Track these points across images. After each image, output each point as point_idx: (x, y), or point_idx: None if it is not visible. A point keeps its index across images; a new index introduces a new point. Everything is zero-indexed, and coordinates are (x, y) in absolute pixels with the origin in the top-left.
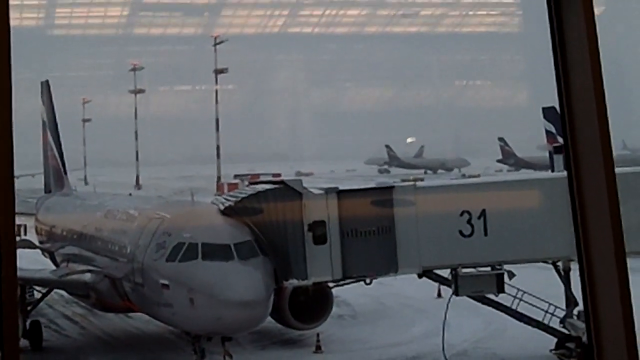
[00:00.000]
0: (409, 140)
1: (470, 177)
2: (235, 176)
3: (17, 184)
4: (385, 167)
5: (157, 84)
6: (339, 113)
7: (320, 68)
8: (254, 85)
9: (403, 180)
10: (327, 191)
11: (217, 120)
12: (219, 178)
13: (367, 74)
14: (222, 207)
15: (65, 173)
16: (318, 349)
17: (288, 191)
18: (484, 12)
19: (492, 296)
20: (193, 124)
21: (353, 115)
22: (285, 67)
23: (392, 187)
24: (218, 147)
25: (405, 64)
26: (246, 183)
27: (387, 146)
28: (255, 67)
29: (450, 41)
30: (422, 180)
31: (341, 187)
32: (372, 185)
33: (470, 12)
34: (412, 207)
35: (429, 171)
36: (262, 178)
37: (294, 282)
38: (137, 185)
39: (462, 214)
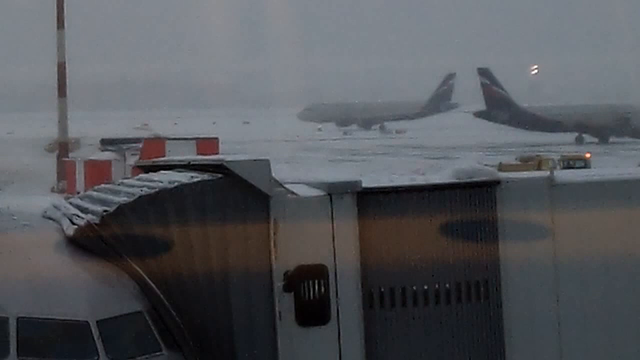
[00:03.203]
0: (534, 69)
1: None
2: (105, 144)
3: None
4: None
5: None
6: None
7: None
8: None
9: (523, 162)
10: (333, 190)
11: (58, 3)
12: (63, 147)
13: None
14: (71, 230)
15: None
16: None
17: (236, 190)
18: None
19: None
20: None
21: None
22: None
23: (495, 182)
24: (62, 67)
25: None
26: (131, 164)
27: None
28: None
29: None
30: (573, 163)
31: (366, 181)
32: (442, 175)
33: None
34: (545, 234)
35: (588, 137)
36: (171, 149)
37: None
38: None
39: None
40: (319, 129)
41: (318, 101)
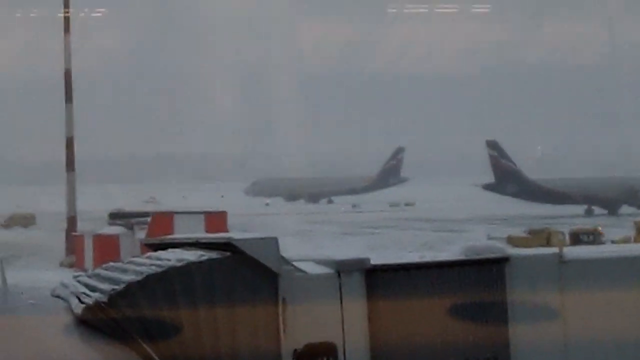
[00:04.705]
0: (538, 149)
1: None
2: (113, 217)
3: None
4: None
5: None
6: (360, 77)
7: None
8: (159, 7)
9: (532, 234)
10: (342, 267)
11: (67, 77)
12: (71, 221)
13: None
14: (79, 309)
15: None
16: None
17: (245, 268)
18: None
19: None
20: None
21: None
22: None
23: (504, 259)
24: (70, 142)
25: None
26: (140, 237)
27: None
28: None
29: None
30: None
31: (374, 259)
32: (452, 252)
33: None
34: (554, 311)
35: (597, 209)
36: (180, 223)
37: None
38: None
39: None
40: (267, 204)
41: (265, 175)
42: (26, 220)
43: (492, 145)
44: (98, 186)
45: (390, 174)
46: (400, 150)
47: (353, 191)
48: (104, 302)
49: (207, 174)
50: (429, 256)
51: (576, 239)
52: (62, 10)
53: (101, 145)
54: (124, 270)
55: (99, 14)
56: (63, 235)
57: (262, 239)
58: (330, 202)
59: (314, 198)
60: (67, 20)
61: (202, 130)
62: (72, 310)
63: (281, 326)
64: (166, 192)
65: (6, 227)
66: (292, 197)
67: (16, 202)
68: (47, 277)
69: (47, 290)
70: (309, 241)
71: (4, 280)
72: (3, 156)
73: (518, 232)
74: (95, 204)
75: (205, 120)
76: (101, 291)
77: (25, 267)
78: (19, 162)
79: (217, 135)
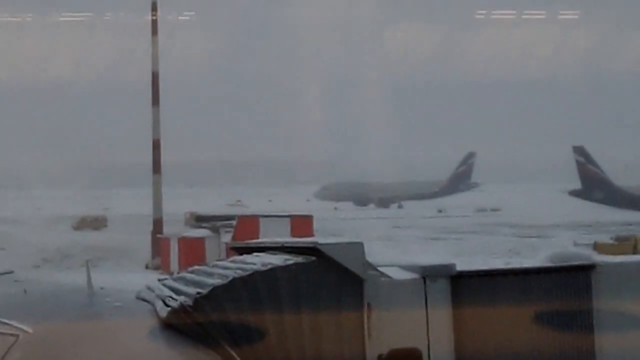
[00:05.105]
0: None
1: None
2: (199, 220)
3: None
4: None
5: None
6: (442, 81)
7: None
8: (247, 12)
9: (619, 241)
10: (427, 273)
11: (154, 79)
12: (157, 223)
13: None
14: (164, 312)
15: None
16: None
17: (330, 273)
18: None
19: None
20: (90, 92)
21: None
22: None
23: (590, 266)
24: (157, 145)
25: None
26: (225, 241)
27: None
28: None
29: None
30: None
31: (459, 264)
32: (537, 259)
33: None
34: None
35: None
36: (265, 226)
37: None
38: None
39: None
40: (335, 208)
41: (334, 180)
42: (97, 223)
43: (579, 151)
44: (184, 189)
45: (460, 179)
46: (471, 156)
47: (422, 196)
48: (189, 306)
49: (292, 178)
50: (514, 262)
51: None
52: (150, 14)
53: (187, 149)
54: (210, 274)
55: (186, 18)
56: (147, 237)
57: (348, 243)
58: (400, 207)
59: (383, 202)
60: (154, 23)
61: (287, 135)
62: (157, 314)
63: (366, 331)
64: (252, 195)
65: (77, 229)
66: (361, 201)
67: (90, 204)
68: (133, 279)
69: (133, 293)
70: (395, 246)
71: (90, 283)
72: (80, 159)
73: (605, 239)
74: (180, 207)
75: (290, 125)
76: (186, 295)
77: (112, 268)
78: (93, 165)
79: (301, 139)
